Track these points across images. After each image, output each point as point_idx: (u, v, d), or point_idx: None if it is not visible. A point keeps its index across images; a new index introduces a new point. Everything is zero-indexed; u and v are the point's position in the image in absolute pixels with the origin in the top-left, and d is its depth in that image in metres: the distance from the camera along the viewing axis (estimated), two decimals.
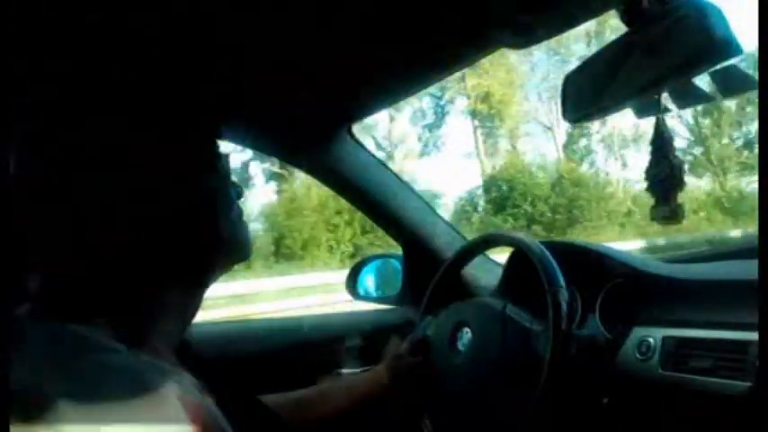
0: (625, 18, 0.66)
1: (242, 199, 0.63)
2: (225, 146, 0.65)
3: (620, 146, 19.23)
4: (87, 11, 0.65)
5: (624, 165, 19.02)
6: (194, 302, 0.59)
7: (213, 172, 0.58)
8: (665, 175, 0.64)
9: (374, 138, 18.82)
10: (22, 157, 0.49)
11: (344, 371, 1.26)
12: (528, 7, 0.70)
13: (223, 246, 0.58)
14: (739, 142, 16.42)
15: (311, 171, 1.34)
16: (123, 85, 0.53)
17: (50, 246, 0.50)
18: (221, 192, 0.58)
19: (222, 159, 0.60)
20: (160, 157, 0.53)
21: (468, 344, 0.97)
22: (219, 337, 1.28)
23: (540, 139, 23.88)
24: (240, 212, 0.62)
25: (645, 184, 0.67)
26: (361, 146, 1.29)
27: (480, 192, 17.47)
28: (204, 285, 0.59)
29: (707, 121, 16.58)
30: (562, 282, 0.86)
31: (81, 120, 0.50)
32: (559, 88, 0.75)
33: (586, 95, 0.72)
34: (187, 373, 0.48)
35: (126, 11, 0.66)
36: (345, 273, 1.53)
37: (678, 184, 0.64)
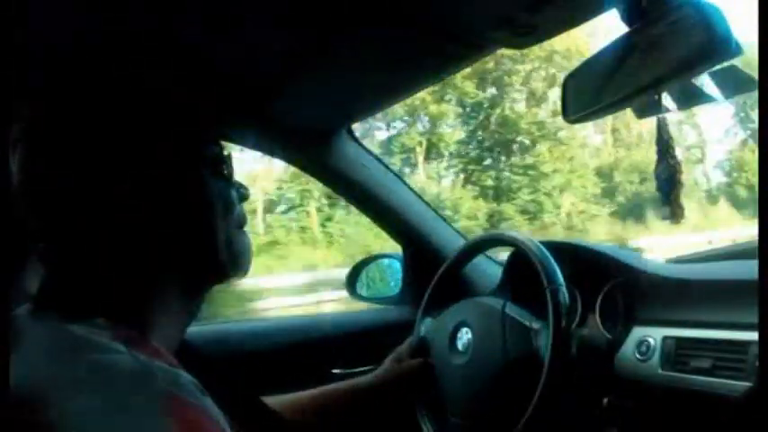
0: (625, 18, 0.66)
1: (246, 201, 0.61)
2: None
3: None
4: (89, 10, 0.65)
5: None
6: (194, 302, 0.59)
7: (216, 174, 0.57)
8: (666, 175, 0.64)
9: None
10: (21, 156, 0.49)
11: (344, 371, 1.26)
12: (528, 7, 0.70)
13: (223, 250, 0.57)
14: None
15: (311, 171, 1.34)
16: (124, 86, 0.53)
17: (50, 246, 0.50)
18: (223, 195, 0.58)
19: (226, 162, 0.59)
20: (161, 158, 0.53)
21: (468, 344, 0.97)
22: (219, 337, 1.28)
23: None
24: (243, 220, 0.60)
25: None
26: (362, 146, 1.29)
27: None
28: (204, 286, 0.59)
29: None
30: (562, 281, 0.86)
31: (82, 120, 0.50)
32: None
33: (587, 95, 0.72)
34: (187, 373, 0.48)
35: (128, 11, 0.66)
36: None
37: (677, 184, 0.64)
